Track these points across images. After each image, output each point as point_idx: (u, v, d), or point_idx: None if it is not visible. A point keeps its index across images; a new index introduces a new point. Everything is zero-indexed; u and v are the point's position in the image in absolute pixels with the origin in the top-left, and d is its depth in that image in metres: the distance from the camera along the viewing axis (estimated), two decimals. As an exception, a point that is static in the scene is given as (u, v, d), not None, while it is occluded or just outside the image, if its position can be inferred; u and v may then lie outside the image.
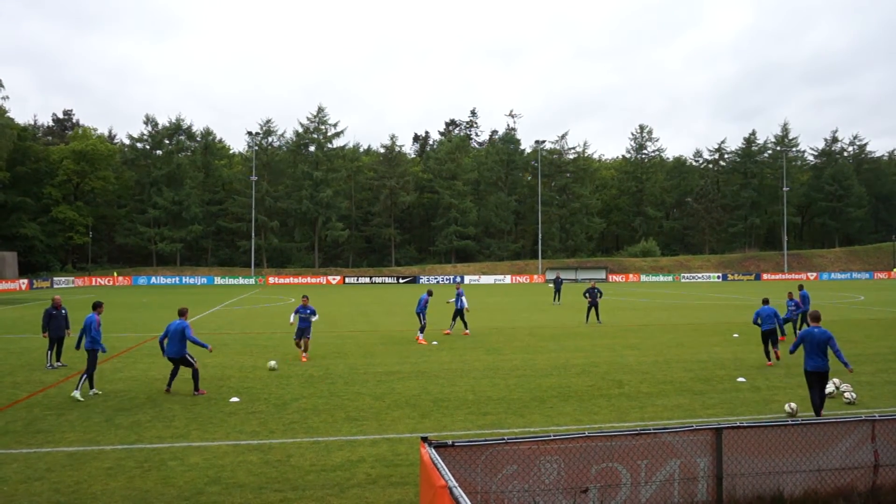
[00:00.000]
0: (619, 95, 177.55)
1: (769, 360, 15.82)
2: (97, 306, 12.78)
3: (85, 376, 12.18)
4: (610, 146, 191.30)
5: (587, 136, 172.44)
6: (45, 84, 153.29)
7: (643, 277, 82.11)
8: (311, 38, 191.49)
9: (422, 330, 20.74)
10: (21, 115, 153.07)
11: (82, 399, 11.84)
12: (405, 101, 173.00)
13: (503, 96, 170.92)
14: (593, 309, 25.93)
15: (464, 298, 22.22)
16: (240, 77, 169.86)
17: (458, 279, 77.11)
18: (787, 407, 10.84)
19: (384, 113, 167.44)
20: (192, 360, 12.33)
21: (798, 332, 19.63)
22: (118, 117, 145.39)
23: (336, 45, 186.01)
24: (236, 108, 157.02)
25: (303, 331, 16.56)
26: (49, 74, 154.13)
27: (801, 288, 21.35)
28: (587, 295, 26.26)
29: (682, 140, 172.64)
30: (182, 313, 12.62)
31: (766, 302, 16.50)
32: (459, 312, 22.09)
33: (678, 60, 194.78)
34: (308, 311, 16.53)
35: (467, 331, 22.38)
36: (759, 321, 15.87)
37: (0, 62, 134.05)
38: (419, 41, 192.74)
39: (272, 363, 15.26)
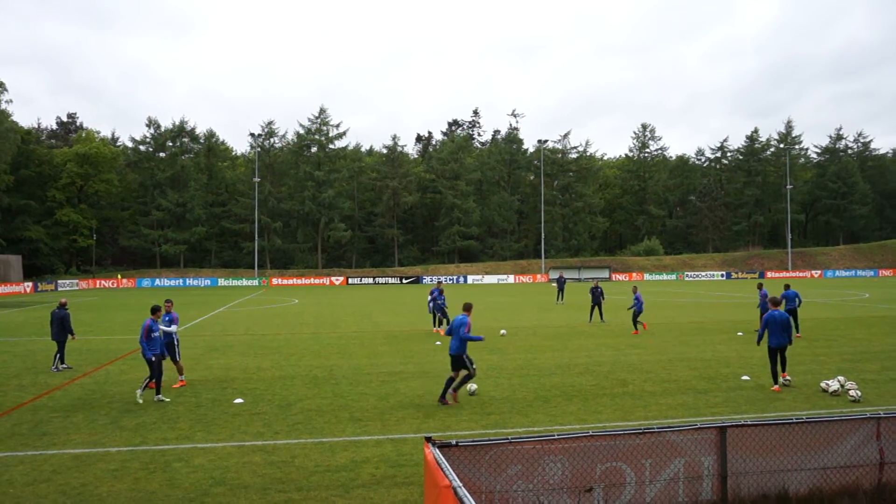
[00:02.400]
0: (636, 92, 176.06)
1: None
2: (155, 311, 12.32)
3: (148, 380, 11.98)
4: (624, 143, 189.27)
5: (601, 134, 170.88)
6: (53, 85, 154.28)
7: (646, 276, 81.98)
8: (326, 38, 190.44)
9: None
10: (33, 115, 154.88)
11: (167, 400, 11.94)
12: (421, 101, 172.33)
13: (520, 94, 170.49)
14: (596, 308, 25.88)
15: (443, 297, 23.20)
16: (251, 78, 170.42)
17: (439, 279, 76.80)
18: (783, 380, 12.64)
19: (399, 113, 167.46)
20: (469, 364, 11.41)
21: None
22: (127, 118, 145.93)
23: (350, 45, 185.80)
24: (247, 109, 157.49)
25: (165, 348, 12.87)
26: (59, 75, 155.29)
27: (787, 287, 21.25)
28: (591, 294, 26.18)
29: (698, 137, 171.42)
30: (467, 308, 11.87)
31: (787, 287, 20.33)
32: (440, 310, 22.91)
33: (699, 56, 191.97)
34: (166, 320, 13.26)
35: (440, 328, 23.00)
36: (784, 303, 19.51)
37: (8, 64, 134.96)
38: (436, 40, 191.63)
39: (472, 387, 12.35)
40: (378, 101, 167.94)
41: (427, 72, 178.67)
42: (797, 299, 19.85)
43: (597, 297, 25.72)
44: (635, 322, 21.96)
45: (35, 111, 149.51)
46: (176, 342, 13.32)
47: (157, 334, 12.25)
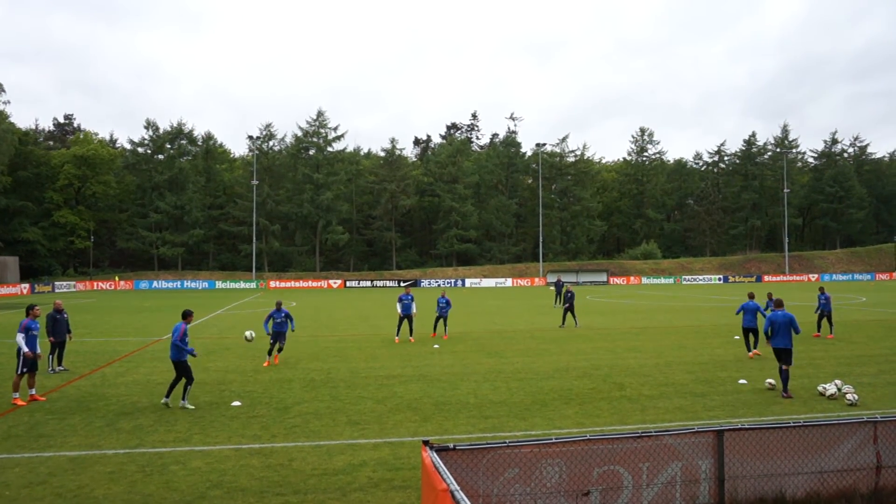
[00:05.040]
0: (651, 92, 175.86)
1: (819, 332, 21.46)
2: (187, 315, 11.96)
3: (188, 386, 11.66)
4: (628, 146, 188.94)
5: (614, 135, 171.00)
6: (57, 83, 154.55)
7: (644, 280, 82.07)
8: (337, 37, 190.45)
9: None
10: (40, 112, 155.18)
11: (192, 407, 11.49)
12: (434, 101, 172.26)
13: (533, 95, 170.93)
14: (569, 312, 25.65)
15: (414, 304, 21.29)
16: (259, 78, 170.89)
17: (408, 283, 76.61)
18: (766, 383, 12.99)
19: (410, 113, 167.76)
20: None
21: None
22: (133, 116, 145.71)
23: (363, 44, 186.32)
24: (255, 109, 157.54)
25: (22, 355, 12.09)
26: (63, 73, 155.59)
27: (822, 290, 22.15)
28: (564, 300, 25.86)
29: (710, 138, 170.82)
30: (779, 304, 12.58)
31: (822, 290, 21.83)
32: (409, 317, 21.14)
33: (719, 55, 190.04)
34: (36, 327, 12.39)
35: (412, 337, 21.29)
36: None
37: (15, 63, 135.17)
38: (451, 39, 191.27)
39: (249, 333, 15.86)
40: (389, 100, 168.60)
41: (441, 72, 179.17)
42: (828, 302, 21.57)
43: (568, 300, 25.60)
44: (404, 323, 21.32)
45: (41, 109, 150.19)
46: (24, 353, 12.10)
47: (35, 333, 12.23)
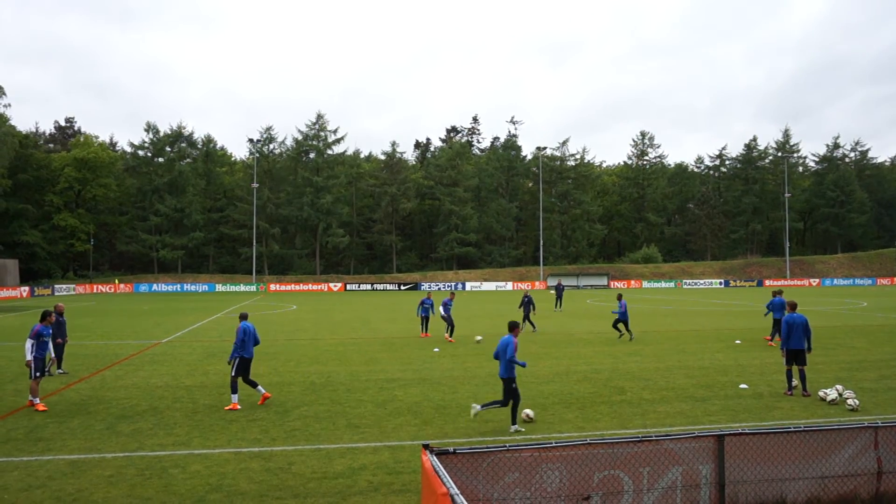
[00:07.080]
0: (664, 95, 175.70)
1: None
2: (514, 327, 10.40)
3: (517, 408, 10.13)
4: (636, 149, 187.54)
5: (625, 138, 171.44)
6: (59, 85, 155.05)
7: (645, 284, 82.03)
8: (346, 39, 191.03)
9: (449, 332, 22.65)
10: (44, 115, 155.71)
11: (523, 430, 10.05)
12: (444, 104, 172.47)
13: (545, 97, 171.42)
14: (528, 317, 25.51)
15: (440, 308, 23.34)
16: (268, 82, 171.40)
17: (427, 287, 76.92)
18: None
19: (420, 116, 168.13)
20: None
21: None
22: (139, 118, 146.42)
23: (374, 45, 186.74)
24: (264, 112, 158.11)
25: (39, 361, 12.01)
26: (67, 74, 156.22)
27: (776, 294, 20.92)
28: (523, 304, 25.77)
29: (722, 140, 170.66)
30: (794, 306, 13.14)
31: (619, 297, 21.79)
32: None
33: (736, 57, 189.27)
34: (48, 333, 12.35)
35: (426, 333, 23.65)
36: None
37: (21, 64, 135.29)
38: (463, 43, 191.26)
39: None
40: (400, 103, 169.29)
41: (452, 74, 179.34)
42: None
43: (525, 305, 25.52)
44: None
45: (47, 110, 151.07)
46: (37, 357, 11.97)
47: (46, 339, 12.11)
